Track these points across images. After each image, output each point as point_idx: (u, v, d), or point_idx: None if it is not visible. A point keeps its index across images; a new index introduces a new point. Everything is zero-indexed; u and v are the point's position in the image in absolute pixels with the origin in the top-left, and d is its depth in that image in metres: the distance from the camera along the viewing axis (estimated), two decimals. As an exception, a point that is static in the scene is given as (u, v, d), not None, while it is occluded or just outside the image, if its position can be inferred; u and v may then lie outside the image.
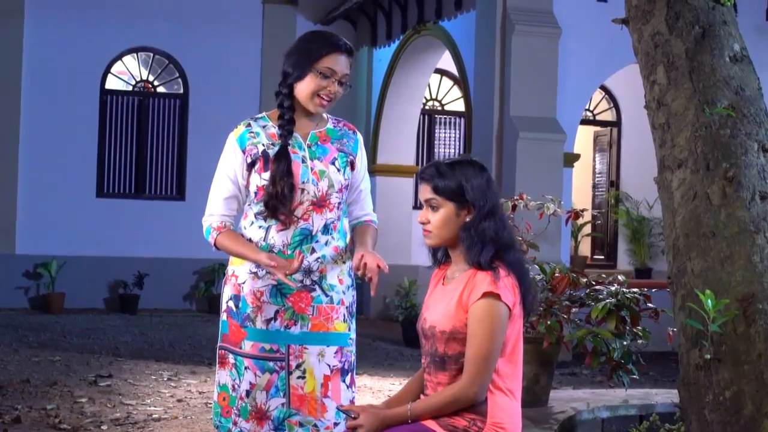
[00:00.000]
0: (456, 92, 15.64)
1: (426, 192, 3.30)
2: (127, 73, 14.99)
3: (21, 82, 14.14)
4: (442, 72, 15.64)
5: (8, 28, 14.06)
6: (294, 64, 3.59)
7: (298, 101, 3.62)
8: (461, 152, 14.73)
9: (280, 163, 3.54)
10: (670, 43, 4.29)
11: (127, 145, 14.85)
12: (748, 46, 4.36)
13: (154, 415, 6.78)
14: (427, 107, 15.95)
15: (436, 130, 16.14)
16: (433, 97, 16.11)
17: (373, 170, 14.69)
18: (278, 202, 3.53)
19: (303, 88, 3.58)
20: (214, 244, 3.63)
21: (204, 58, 14.84)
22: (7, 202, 14.07)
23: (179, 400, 7.40)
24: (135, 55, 14.95)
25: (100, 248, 14.32)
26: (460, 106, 14.78)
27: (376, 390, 8.32)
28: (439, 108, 16.19)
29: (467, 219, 3.26)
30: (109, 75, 14.82)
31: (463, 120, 14.94)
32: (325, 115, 3.73)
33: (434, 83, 15.91)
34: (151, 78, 15.07)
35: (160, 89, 15.13)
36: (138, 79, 15.01)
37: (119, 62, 14.88)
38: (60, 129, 14.26)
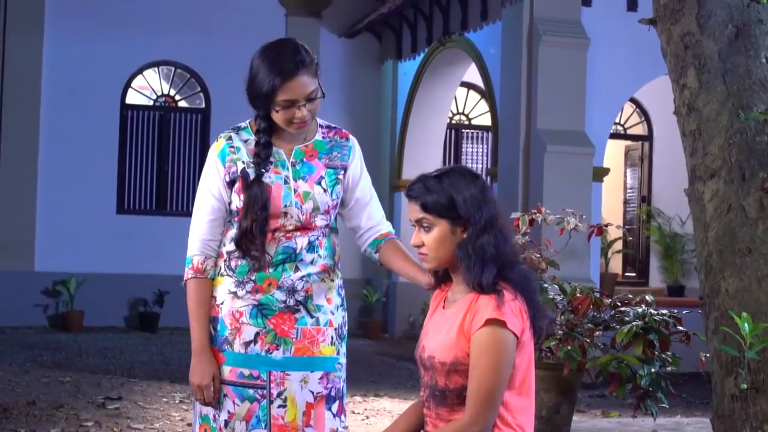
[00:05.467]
0: (483, 106, 15.41)
1: (415, 211, 2.99)
2: (148, 87, 14.85)
3: (40, 96, 14.03)
4: (470, 86, 15.43)
5: (28, 42, 13.96)
6: (254, 100, 3.33)
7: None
8: (488, 167, 14.46)
9: (252, 192, 3.28)
10: (701, 43, 4.03)
11: (147, 161, 14.71)
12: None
13: (160, 440, 6.56)
14: (453, 121, 15.72)
15: (463, 145, 15.92)
16: (460, 111, 15.89)
17: (399, 185, 14.47)
18: (248, 242, 3.29)
19: (275, 118, 3.33)
20: (185, 281, 3.38)
21: (226, 72, 14.60)
22: (26, 218, 13.94)
23: (189, 424, 7.16)
24: (156, 69, 14.83)
25: (120, 265, 14.16)
26: (487, 120, 14.54)
27: (396, 414, 8.02)
28: (466, 122, 15.96)
29: (464, 236, 2.94)
30: (130, 89, 14.70)
31: (490, 134, 14.68)
32: (316, 120, 3.45)
33: (461, 97, 15.71)
34: (172, 92, 14.93)
35: (182, 104, 14.99)
36: (159, 93, 14.87)
37: (140, 76, 14.76)
38: (80, 144, 14.13)
